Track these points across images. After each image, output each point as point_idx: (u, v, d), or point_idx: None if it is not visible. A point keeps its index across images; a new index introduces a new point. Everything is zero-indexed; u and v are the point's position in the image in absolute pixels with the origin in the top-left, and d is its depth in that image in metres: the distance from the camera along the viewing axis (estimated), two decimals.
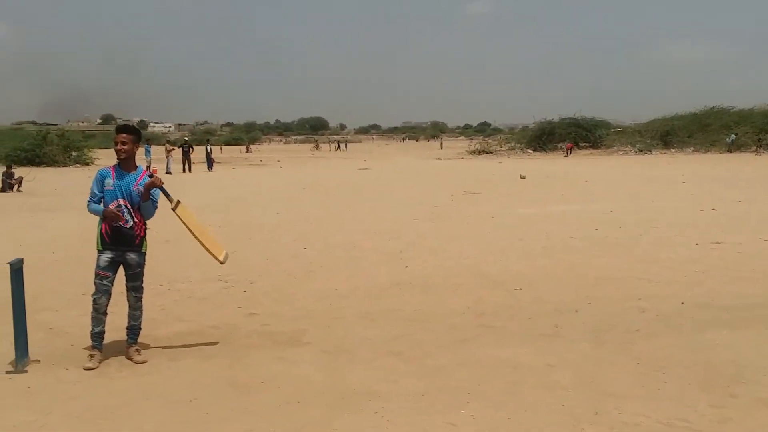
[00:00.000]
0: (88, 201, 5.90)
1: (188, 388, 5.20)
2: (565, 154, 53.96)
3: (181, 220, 6.11)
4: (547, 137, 59.49)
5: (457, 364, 5.70)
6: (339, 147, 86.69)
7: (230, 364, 5.76)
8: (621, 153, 53.32)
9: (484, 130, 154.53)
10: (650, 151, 52.26)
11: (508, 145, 62.73)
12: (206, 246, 6.19)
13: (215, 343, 6.37)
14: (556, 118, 61.45)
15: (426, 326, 6.85)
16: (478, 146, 62.12)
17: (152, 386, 5.28)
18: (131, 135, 5.95)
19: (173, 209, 6.11)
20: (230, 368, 5.67)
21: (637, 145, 54.38)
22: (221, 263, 6.28)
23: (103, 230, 5.83)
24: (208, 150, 39.82)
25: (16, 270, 5.73)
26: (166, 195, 6.08)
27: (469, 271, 9.57)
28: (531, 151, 57.75)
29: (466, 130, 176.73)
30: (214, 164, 39.04)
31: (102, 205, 5.83)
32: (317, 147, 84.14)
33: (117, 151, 5.90)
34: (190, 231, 6.14)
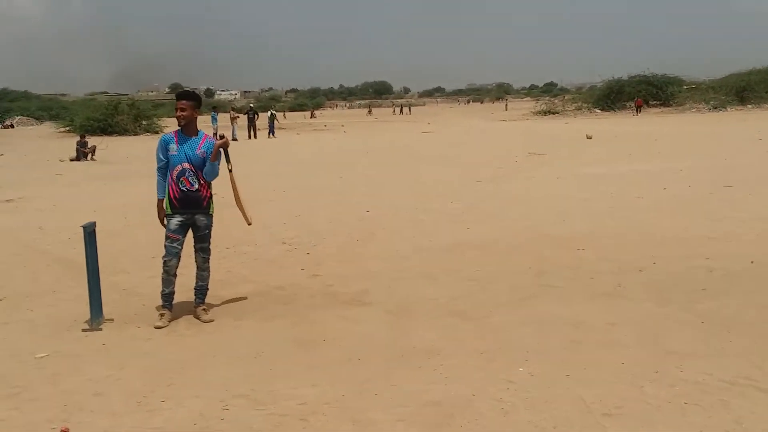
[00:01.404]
0: (157, 170, 6.11)
1: (253, 346, 5.37)
2: (635, 111, 52.49)
3: (231, 182, 6.35)
4: (615, 96, 57.87)
5: (518, 322, 5.72)
6: (402, 111, 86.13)
7: (294, 323, 5.91)
8: (694, 110, 51.58)
9: (550, 90, 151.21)
10: (725, 108, 50.36)
11: (575, 105, 61.30)
12: (243, 209, 6.52)
13: (280, 304, 6.53)
14: (624, 76, 59.80)
15: (487, 286, 6.87)
16: (543, 107, 60.88)
17: (219, 344, 5.47)
18: (190, 101, 6.07)
19: (229, 170, 6.30)
20: (294, 327, 5.82)
21: (711, 102, 52.47)
22: (249, 224, 6.66)
23: (171, 195, 6.02)
24: (271, 115, 39.95)
25: (89, 233, 5.97)
26: (227, 157, 6.25)
27: (532, 231, 9.51)
28: (598, 111, 56.30)
29: (532, 91, 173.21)
30: (276, 130, 39.27)
31: (168, 170, 6.02)
32: (370, 112, 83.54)
33: (177, 117, 6.07)
34: (236, 194, 6.44)
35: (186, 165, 5.97)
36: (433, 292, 6.75)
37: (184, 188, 5.98)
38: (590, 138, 26.76)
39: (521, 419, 3.95)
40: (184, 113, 6.02)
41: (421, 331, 5.58)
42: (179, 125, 6.10)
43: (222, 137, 6.29)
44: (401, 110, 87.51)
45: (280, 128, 42.54)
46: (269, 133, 37.64)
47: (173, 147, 6.01)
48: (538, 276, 7.14)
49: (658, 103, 56.77)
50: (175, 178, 5.99)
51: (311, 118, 73.46)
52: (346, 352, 5.16)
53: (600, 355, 4.90)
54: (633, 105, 54.15)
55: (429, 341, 5.33)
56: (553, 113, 57.22)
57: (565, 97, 70.49)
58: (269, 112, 40.44)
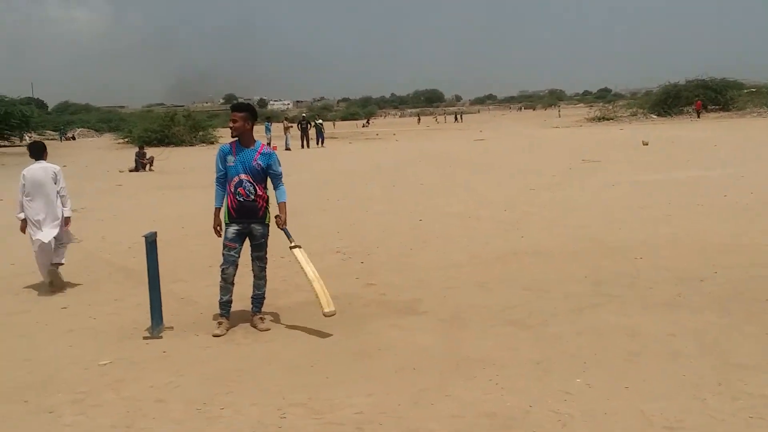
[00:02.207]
0: (215, 180, 6.23)
1: (308, 355, 5.42)
2: (694, 115, 51.29)
3: (297, 260, 6.32)
4: (672, 101, 56.73)
5: (574, 332, 5.65)
6: (456, 119, 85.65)
7: (349, 333, 5.94)
8: (754, 115, 50.22)
9: (604, 96, 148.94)
10: None
11: (630, 110, 60.27)
12: (317, 292, 6.09)
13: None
14: (682, 81, 58.58)
15: (542, 295, 6.81)
16: (597, 113, 59.98)
17: (275, 352, 5.54)
18: (244, 113, 6.17)
19: (291, 247, 6.34)
20: (349, 336, 5.85)
21: None
22: (324, 315, 5.92)
23: (229, 205, 6.13)
24: (319, 124, 40.06)
25: (151, 242, 6.12)
26: (288, 235, 6.34)
27: (587, 239, 9.39)
28: (654, 117, 55.23)
29: (585, 97, 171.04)
30: (325, 139, 39.33)
31: (227, 180, 6.13)
32: (419, 121, 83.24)
33: (230, 129, 6.18)
34: (305, 274, 6.26)
35: (243, 176, 6.07)
36: (487, 300, 6.72)
37: (240, 198, 6.08)
38: (646, 144, 26.29)
39: (579, 431, 3.90)
40: (236, 125, 6.13)
41: (475, 341, 5.56)
42: (232, 136, 6.21)
43: (276, 217, 6.30)
44: (455, 118, 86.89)
45: (332, 137, 42.80)
46: (317, 142, 37.87)
47: (231, 158, 6.12)
48: (595, 285, 7.04)
49: (717, 107, 55.44)
50: (232, 188, 6.09)
51: (364, 127, 73.61)
52: (401, 362, 5.17)
53: (660, 367, 4.81)
54: (692, 109, 52.96)
55: (484, 351, 5.30)
56: (608, 119, 56.32)
57: (620, 103, 69.29)
58: (315, 122, 40.44)
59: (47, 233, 7.88)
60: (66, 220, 8.15)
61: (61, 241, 8.10)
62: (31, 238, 7.97)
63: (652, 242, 8.95)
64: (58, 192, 8.07)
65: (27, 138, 49.54)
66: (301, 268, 6.29)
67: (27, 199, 7.99)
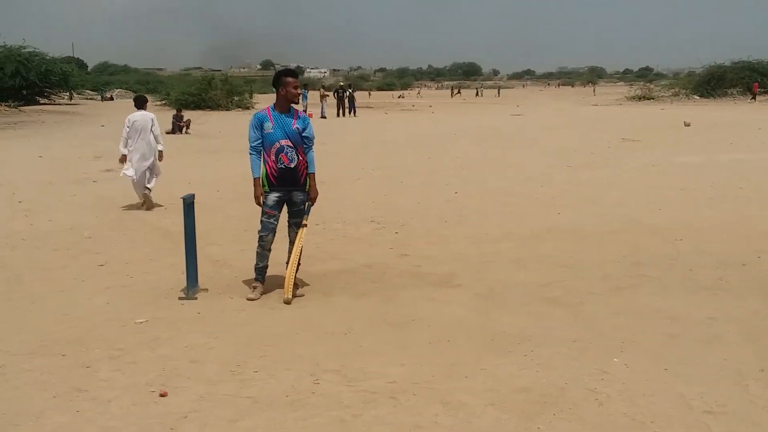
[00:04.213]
0: (250, 148, 6.13)
1: (342, 322, 5.40)
2: (751, 96, 50.10)
3: (299, 238, 6.21)
4: (716, 83, 55.45)
5: (612, 312, 5.56)
6: (498, 93, 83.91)
7: (383, 302, 5.92)
8: None
9: (645, 75, 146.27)
10: None
11: (672, 90, 59.04)
12: (287, 275, 6.03)
13: (368, 282, 6.55)
14: (727, 62, 57.18)
15: (580, 273, 6.71)
16: (638, 92, 58.79)
17: (309, 318, 5.53)
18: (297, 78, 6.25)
19: (304, 225, 6.24)
20: (383, 305, 5.83)
21: None
22: (285, 302, 5.89)
23: (269, 172, 6.07)
24: (350, 94, 39.56)
25: (188, 204, 6.13)
26: (308, 210, 6.29)
27: (626, 219, 9.23)
28: (697, 98, 54.04)
29: (626, 76, 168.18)
30: (355, 109, 38.91)
31: (264, 148, 6.07)
32: (453, 93, 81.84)
33: (293, 95, 6.13)
34: (293, 252, 6.18)
35: (284, 141, 6.03)
36: (523, 277, 6.64)
37: (282, 165, 6.04)
38: (688, 125, 25.76)
39: (617, 411, 3.84)
40: (298, 90, 6.18)
41: (511, 317, 5.50)
42: (293, 102, 6.19)
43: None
44: (498, 92, 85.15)
45: (367, 107, 42.51)
46: (350, 112, 37.57)
47: (268, 125, 6.05)
48: (634, 266, 6.92)
49: (763, 91, 54.04)
50: (273, 155, 6.03)
51: (400, 98, 72.92)
52: (435, 334, 5.13)
53: (700, 351, 4.71)
54: (748, 92, 51.50)
55: (519, 327, 5.24)
56: (648, 99, 55.22)
57: (661, 83, 67.86)
58: (347, 92, 39.76)
59: (138, 168, 10.29)
60: (159, 154, 10.61)
61: (153, 171, 10.54)
62: (124, 172, 10.39)
63: (694, 225, 8.77)
64: (153, 132, 10.42)
65: (65, 97, 50.25)
66: (292, 245, 6.23)
67: (129, 139, 10.37)
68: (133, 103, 11.10)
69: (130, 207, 10.51)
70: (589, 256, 7.36)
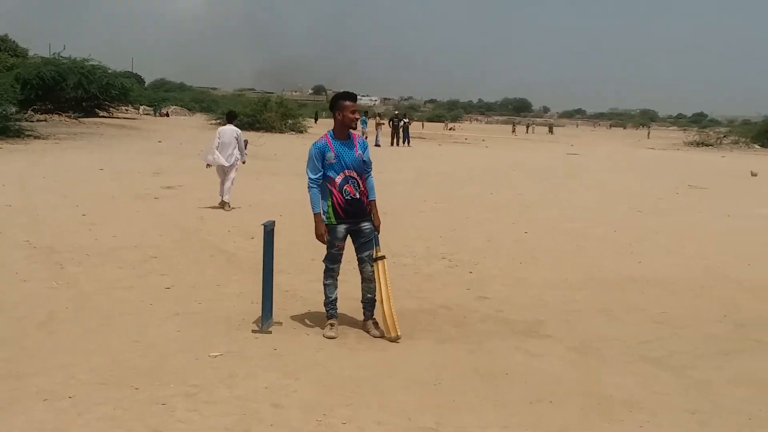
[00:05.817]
0: (310, 182, 5.66)
1: (430, 370, 4.99)
2: None
3: (377, 272, 5.83)
4: None
5: (726, 380, 5.04)
6: (550, 130, 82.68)
7: (470, 350, 5.48)
8: None
9: (699, 120, 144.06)
10: None
11: (731, 138, 57.65)
12: (386, 313, 5.72)
13: (450, 325, 6.13)
14: None
15: (678, 332, 6.19)
16: (696, 137, 57.61)
17: (393, 363, 5.13)
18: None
19: (376, 258, 5.85)
20: (471, 354, 5.40)
21: None
22: (390, 340, 5.64)
23: (336, 204, 5.68)
24: (406, 124, 39.10)
25: (269, 232, 5.81)
26: (376, 242, 5.88)
27: (713, 273, 8.66)
28: (757, 147, 52.63)
29: (679, 120, 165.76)
30: (409, 139, 38.53)
31: (326, 181, 5.66)
32: (514, 130, 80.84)
33: (350, 120, 5.71)
34: (382, 287, 5.81)
35: (348, 172, 5.66)
36: (616, 331, 6.15)
37: (348, 197, 5.67)
38: (755, 175, 24.88)
39: None
40: (357, 114, 5.78)
41: (614, 377, 5.02)
42: (351, 128, 5.81)
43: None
44: (549, 129, 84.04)
45: (420, 137, 42.22)
46: (404, 141, 37.30)
47: (330, 155, 5.64)
48: (739, 327, 6.37)
49: None
50: (337, 187, 5.65)
51: (450, 130, 72.50)
52: (534, 391, 4.68)
53: None
54: None
55: (626, 391, 4.76)
56: (706, 145, 54.03)
57: (720, 129, 66.37)
58: (401, 121, 39.38)
59: (228, 167, 12.08)
60: (242, 162, 12.43)
61: (230, 180, 12.07)
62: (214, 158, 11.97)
63: None
64: (238, 143, 12.21)
65: (126, 110, 51.04)
66: (378, 282, 5.81)
67: (217, 149, 11.98)
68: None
69: (188, 232, 10.26)
70: (685, 312, 6.83)
